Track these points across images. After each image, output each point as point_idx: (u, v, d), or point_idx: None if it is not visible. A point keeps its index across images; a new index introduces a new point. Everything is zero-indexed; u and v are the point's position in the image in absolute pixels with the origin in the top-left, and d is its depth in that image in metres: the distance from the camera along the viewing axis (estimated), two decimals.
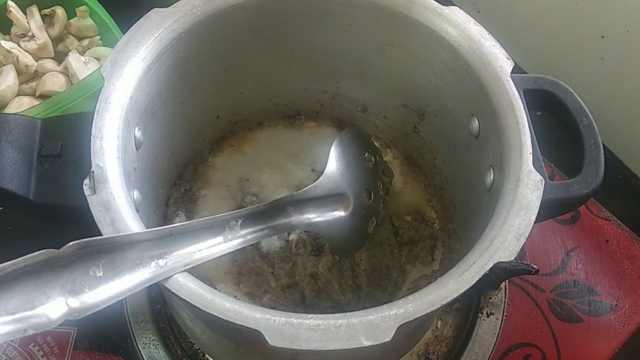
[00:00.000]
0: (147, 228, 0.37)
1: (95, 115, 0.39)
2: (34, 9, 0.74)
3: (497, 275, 0.36)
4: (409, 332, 0.51)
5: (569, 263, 0.63)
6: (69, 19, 0.75)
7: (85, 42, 0.74)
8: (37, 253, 0.32)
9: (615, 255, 0.63)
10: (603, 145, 0.43)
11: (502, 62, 0.44)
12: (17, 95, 0.70)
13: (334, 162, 0.51)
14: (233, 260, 0.54)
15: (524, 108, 0.42)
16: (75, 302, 0.32)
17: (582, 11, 0.66)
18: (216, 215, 0.41)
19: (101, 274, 0.34)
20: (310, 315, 0.34)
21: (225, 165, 0.60)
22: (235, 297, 0.52)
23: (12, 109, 0.68)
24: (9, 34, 0.74)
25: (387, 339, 0.33)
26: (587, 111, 0.44)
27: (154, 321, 0.57)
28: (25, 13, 0.73)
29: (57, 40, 0.75)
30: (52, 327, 0.31)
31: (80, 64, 0.70)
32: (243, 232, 0.42)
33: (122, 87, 0.41)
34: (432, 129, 0.56)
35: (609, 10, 0.64)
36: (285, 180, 0.58)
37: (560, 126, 0.45)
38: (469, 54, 0.45)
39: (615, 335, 0.59)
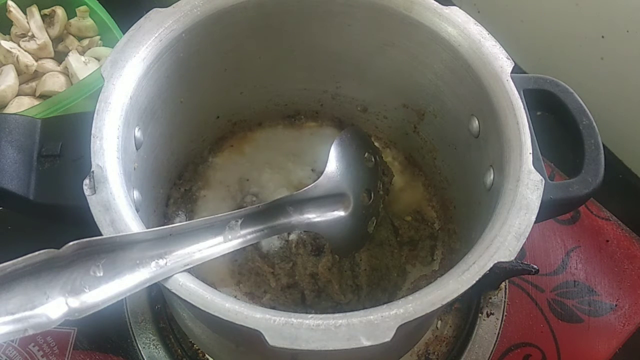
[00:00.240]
0: (147, 228, 0.37)
1: (95, 115, 0.39)
2: (34, 9, 0.74)
3: (497, 275, 0.36)
4: (409, 332, 0.51)
5: (569, 263, 0.63)
6: (69, 19, 0.75)
7: (85, 42, 0.74)
8: (37, 253, 0.32)
9: (615, 255, 0.63)
10: (603, 145, 0.43)
11: (502, 62, 0.44)
12: (17, 95, 0.70)
13: (334, 162, 0.51)
14: (233, 260, 0.54)
15: (524, 108, 0.42)
16: (75, 302, 0.32)
17: (582, 11, 0.66)
18: (216, 215, 0.41)
19: (101, 274, 0.34)
20: (310, 315, 0.34)
21: (225, 165, 0.60)
22: (235, 297, 0.52)
23: (12, 109, 0.67)
24: (9, 34, 0.74)
25: (387, 339, 0.33)
26: (587, 111, 0.44)
27: (154, 321, 0.57)
28: (25, 13, 0.73)
29: (57, 40, 0.75)
30: (52, 327, 0.31)
31: (80, 64, 0.70)
32: (243, 232, 0.42)
33: (122, 87, 0.41)
34: (432, 129, 0.56)
35: (609, 10, 0.64)
36: (285, 180, 0.58)
37: (560, 126, 0.45)
38: (469, 54, 0.45)
39: (615, 335, 0.59)
